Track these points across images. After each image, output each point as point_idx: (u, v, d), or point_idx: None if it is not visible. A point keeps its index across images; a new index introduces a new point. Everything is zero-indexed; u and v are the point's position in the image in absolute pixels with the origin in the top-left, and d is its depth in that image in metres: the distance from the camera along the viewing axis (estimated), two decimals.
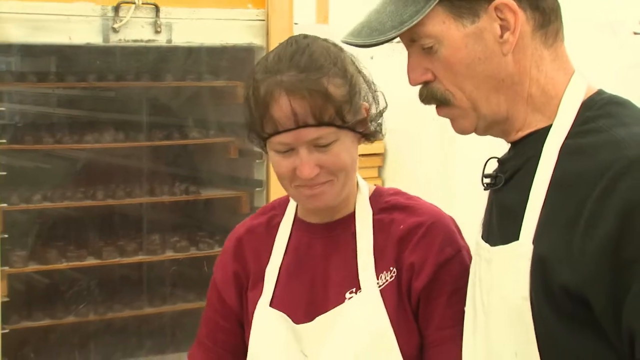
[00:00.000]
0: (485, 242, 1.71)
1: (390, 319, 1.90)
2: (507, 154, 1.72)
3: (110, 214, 3.38)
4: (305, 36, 1.91)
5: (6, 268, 2.86)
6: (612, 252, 1.45)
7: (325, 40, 1.93)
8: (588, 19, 3.76)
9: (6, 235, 2.84)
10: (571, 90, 1.65)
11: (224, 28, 3.09)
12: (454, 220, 2.00)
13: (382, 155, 4.32)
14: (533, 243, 1.57)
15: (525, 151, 1.65)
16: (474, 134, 1.72)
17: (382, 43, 1.60)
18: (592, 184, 1.49)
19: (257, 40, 3.10)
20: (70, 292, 3.24)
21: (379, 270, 1.95)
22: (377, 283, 1.94)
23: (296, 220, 2.05)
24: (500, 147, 1.75)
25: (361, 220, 1.99)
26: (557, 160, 1.58)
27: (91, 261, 3.16)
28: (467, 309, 1.79)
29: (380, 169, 4.34)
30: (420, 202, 2.05)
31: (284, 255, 2.04)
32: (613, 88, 1.73)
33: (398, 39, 1.63)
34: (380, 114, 1.95)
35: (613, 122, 1.55)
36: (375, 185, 2.07)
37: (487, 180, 1.73)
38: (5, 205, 2.85)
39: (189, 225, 3.48)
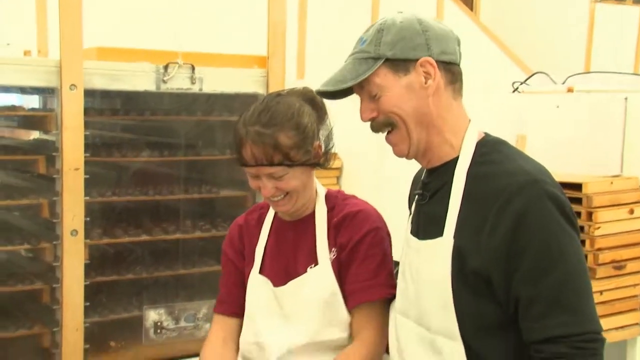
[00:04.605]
0: (415, 236, 1.95)
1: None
2: (428, 177, 1.94)
3: (157, 205, 3.61)
4: (278, 94, 2.13)
5: (87, 240, 3.11)
6: (506, 246, 1.70)
7: (303, 92, 2.16)
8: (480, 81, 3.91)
9: (88, 219, 3.09)
10: (470, 133, 1.86)
11: (238, 81, 3.40)
12: (376, 211, 2.22)
13: (340, 169, 4.72)
14: (453, 238, 1.78)
15: (441, 177, 1.87)
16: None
17: (344, 89, 1.84)
18: (493, 201, 1.72)
19: (259, 90, 3.43)
20: (130, 258, 3.54)
21: (328, 251, 2.18)
22: (330, 258, 2.17)
23: (276, 216, 2.30)
24: (412, 165, 2.03)
25: (319, 218, 2.20)
26: (466, 183, 1.79)
27: (144, 237, 3.43)
28: (399, 281, 2.01)
29: (338, 178, 4.75)
30: (354, 200, 2.28)
31: (267, 240, 2.28)
32: (495, 131, 1.95)
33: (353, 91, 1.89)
34: (330, 149, 2.17)
35: (502, 157, 1.81)
36: (327, 189, 2.30)
37: (417, 197, 1.97)
38: (88, 198, 3.08)
39: (211, 214, 3.63)
